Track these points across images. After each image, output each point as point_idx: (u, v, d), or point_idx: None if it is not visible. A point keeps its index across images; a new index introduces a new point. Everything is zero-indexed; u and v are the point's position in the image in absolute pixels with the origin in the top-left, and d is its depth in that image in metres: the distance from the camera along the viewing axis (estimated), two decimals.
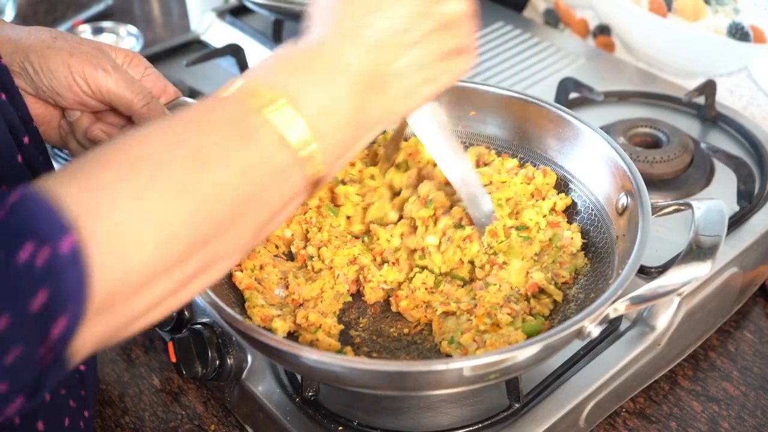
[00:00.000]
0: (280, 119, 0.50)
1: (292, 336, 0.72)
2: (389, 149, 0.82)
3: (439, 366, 0.59)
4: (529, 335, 0.68)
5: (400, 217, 0.79)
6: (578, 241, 0.76)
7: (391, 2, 0.55)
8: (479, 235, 0.74)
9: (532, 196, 0.79)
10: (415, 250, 0.76)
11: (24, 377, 0.41)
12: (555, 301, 0.73)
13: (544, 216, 0.78)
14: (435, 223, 0.76)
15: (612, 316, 0.62)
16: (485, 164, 0.83)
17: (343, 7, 0.56)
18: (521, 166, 0.82)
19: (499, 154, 0.84)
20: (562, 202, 0.79)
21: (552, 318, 0.72)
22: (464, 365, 0.58)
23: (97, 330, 0.44)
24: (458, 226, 0.75)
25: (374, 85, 0.55)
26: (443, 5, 0.57)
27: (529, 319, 0.70)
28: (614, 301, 0.62)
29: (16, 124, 0.64)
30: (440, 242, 0.75)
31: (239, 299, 0.73)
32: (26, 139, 0.64)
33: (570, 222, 0.78)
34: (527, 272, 0.74)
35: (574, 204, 0.79)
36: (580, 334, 0.61)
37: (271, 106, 0.50)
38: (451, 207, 0.77)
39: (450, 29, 0.58)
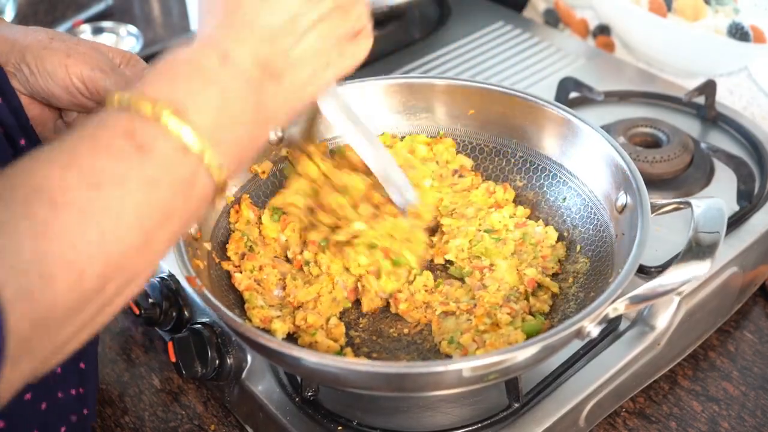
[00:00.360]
0: (174, 129, 0.49)
1: (291, 337, 0.72)
2: (301, 140, 0.80)
3: (437, 368, 0.59)
4: (529, 335, 0.68)
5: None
6: (553, 233, 0.78)
7: None
8: (402, 212, 0.73)
9: (491, 207, 0.81)
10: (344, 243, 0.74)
11: None
12: (554, 297, 0.73)
13: (512, 216, 0.80)
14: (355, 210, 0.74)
15: (611, 315, 0.62)
16: (461, 176, 0.84)
17: (231, 0, 0.54)
18: (484, 180, 0.84)
19: (498, 154, 0.84)
20: (522, 211, 0.81)
21: (552, 317, 0.72)
22: (462, 366, 0.58)
23: (20, 370, 0.43)
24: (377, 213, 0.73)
25: (270, 76, 0.54)
26: None
27: (528, 319, 0.70)
28: (613, 301, 0.62)
29: (12, 127, 0.63)
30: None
31: (239, 300, 0.73)
32: (23, 141, 0.64)
33: (565, 220, 0.79)
34: (517, 270, 0.74)
35: (570, 204, 0.80)
36: (579, 334, 0.61)
37: (163, 116, 0.48)
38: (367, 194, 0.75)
39: (343, 12, 0.57)
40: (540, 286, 0.74)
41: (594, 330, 0.61)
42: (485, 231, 0.78)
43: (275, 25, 0.54)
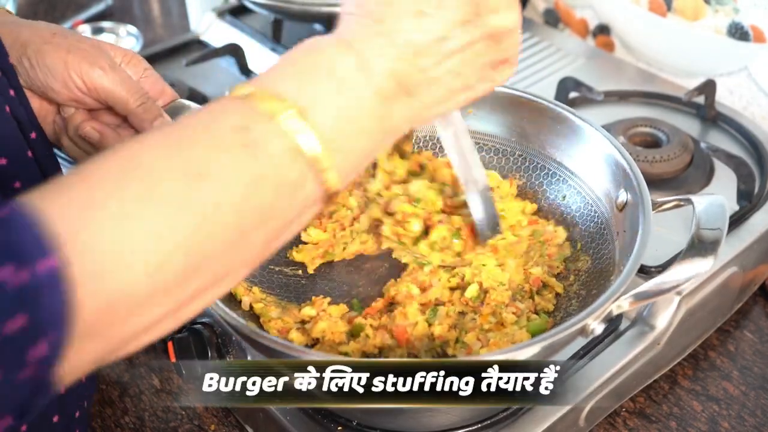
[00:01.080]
0: (290, 130, 0.47)
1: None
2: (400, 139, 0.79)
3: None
4: (534, 334, 0.67)
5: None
6: (562, 233, 0.77)
7: (435, 7, 0.51)
8: (476, 247, 0.70)
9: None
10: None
11: (7, 400, 0.39)
12: (557, 296, 0.73)
13: (523, 212, 0.79)
14: (427, 233, 0.70)
15: (615, 313, 0.62)
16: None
17: (382, 7, 0.51)
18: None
19: (497, 153, 0.84)
20: (530, 206, 0.81)
21: (554, 315, 0.72)
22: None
23: (87, 353, 0.42)
24: (455, 236, 0.70)
25: (403, 91, 0.52)
26: (492, 17, 0.53)
27: (533, 318, 0.70)
28: (617, 299, 0.62)
29: (24, 120, 0.63)
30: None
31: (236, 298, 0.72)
32: (33, 135, 0.65)
33: (565, 218, 0.79)
34: (524, 269, 0.74)
35: (569, 202, 0.80)
36: (583, 331, 0.61)
37: (282, 116, 0.47)
38: (447, 214, 0.72)
39: (495, 41, 0.54)
40: (544, 285, 0.74)
41: (598, 327, 0.61)
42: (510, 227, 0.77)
43: (420, 44, 0.51)
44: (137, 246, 0.42)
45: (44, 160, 0.65)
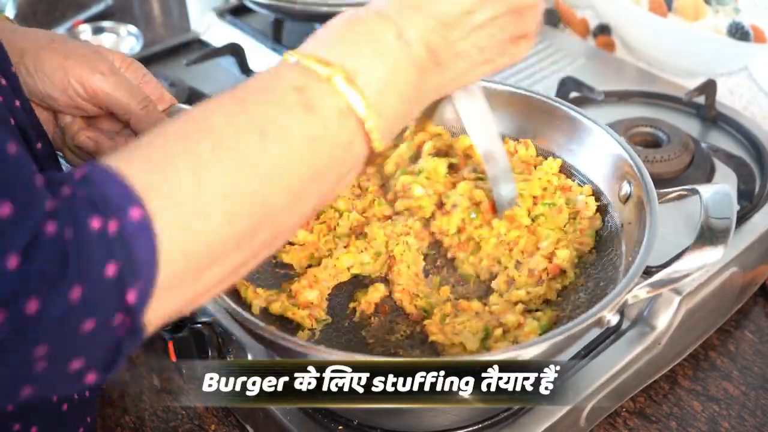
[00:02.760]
0: (341, 92, 0.50)
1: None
2: (420, 117, 0.77)
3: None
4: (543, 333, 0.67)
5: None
6: (593, 204, 0.75)
7: None
8: (492, 219, 0.72)
9: (522, 172, 0.79)
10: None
11: (100, 349, 0.42)
12: (563, 287, 0.72)
13: (556, 176, 0.77)
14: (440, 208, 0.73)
15: (630, 302, 0.63)
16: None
17: None
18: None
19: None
20: (555, 163, 0.78)
21: (563, 307, 0.72)
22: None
23: (168, 303, 0.45)
24: (474, 210, 0.73)
25: (433, 62, 0.55)
26: None
27: (539, 316, 0.69)
28: (632, 288, 0.62)
29: (29, 130, 0.63)
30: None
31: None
32: (39, 145, 0.64)
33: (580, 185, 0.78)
34: (553, 250, 0.72)
35: (568, 167, 0.79)
36: (599, 323, 0.61)
37: (333, 79, 0.50)
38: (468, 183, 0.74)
39: (518, 15, 0.58)
40: (561, 271, 0.72)
41: (613, 318, 0.61)
42: (543, 202, 0.75)
43: (448, 17, 0.55)
44: (214, 197, 0.45)
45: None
